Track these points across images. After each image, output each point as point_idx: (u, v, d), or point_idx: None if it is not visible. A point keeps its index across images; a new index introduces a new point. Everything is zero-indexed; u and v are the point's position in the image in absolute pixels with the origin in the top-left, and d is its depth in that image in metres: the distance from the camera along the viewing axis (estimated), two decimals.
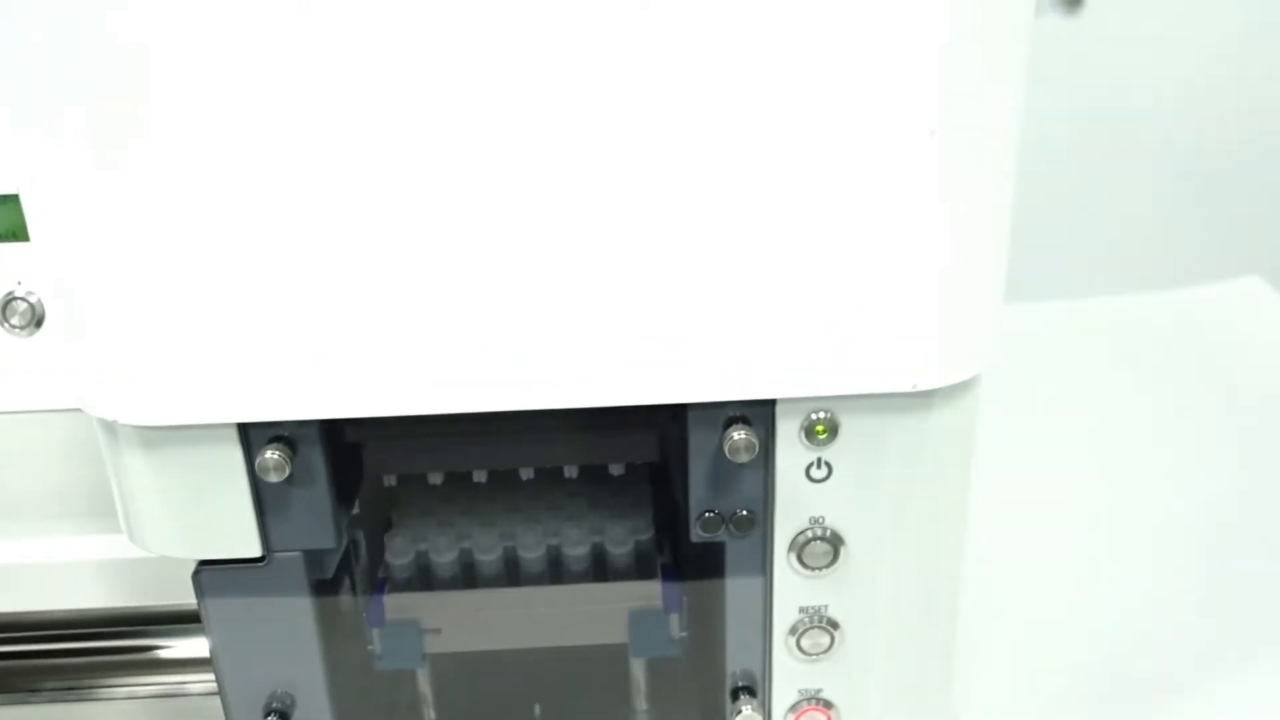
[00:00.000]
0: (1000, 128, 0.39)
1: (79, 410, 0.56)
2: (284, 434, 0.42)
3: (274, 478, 0.42)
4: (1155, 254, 1.35)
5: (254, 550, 0.45)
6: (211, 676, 0.60)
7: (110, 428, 0.43)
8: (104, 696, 0.61)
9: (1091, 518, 0.75)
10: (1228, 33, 1.36)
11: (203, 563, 0.45)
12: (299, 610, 0.46)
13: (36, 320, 0.54)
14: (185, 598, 0.59)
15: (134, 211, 0.39)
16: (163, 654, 0.62)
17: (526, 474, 0.50)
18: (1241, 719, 0.59)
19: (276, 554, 0.45)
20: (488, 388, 0.41)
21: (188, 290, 0.39)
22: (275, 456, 0.42)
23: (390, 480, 0.50)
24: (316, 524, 0.44)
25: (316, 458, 0.43)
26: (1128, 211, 1.37)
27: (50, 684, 0.61)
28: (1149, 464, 0.80)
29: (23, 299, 0.54)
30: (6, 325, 0.54)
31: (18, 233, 0.54)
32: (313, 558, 0.45)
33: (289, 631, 0.47)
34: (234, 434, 0.42)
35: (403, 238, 0.39)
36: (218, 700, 0.49)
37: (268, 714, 0.47)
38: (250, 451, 0.42)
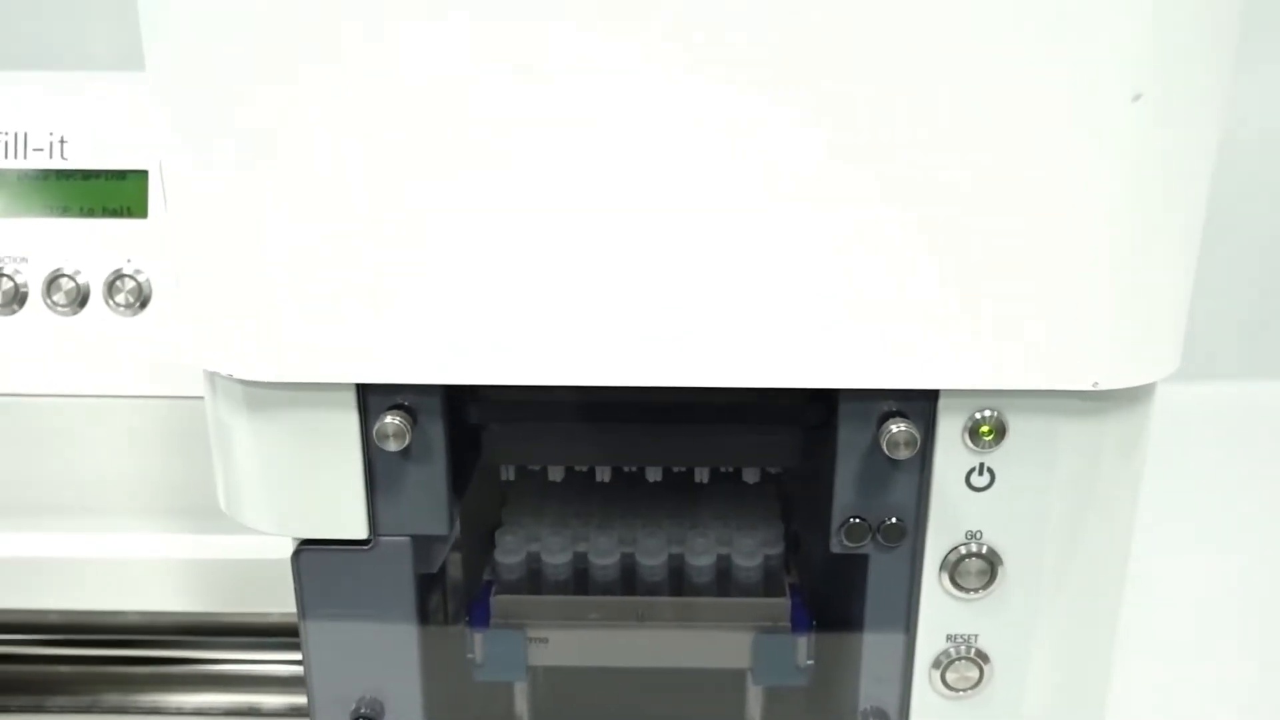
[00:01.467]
0: (1209, 103, 0.36)
1: (173, 398, 0.54)
2: (404, 402, 0.39)
3: (393, 446, 0.39)
4: (1233, 342, 1.29)
5: (360, 532, 0.41)
6: (278, 698, 0.57)
7: (218, 384, 0.40)
8: (166, 710, 0.57)
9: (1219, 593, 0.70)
10: None
11: (304, 543, 0.42)
12: (401, 604, 0.42)
13: (142, 301, 0.53)
14: (259, 606, 0.57)
15: (272, 183, 0.37)
16: (229, 669, 0.58)
17: (653, 476, 0.46)
18: None
19: (383, 538, 0.41)
20: (626, 362, 0.38)
21: (309, 248, 0.37)
22: (396, 422, 0.39)
23: (507, 474, 0.46)
24: (429, 507, 0.41)
25: (436, 432, 0.40)
26: (1261, 293, 1.32)
27: (110, 694, 0.58)
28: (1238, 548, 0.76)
29: (131, 277, 0.53)
30: (111, 303, 0.53)
31: (134, 208, 0.53)
32: (420, 546, 0.42)
33: (388, 628, 0.43)
34: (352, 398, 0.39)
35: (542, 204, 0.36)
36: None
37: (356, 718, 0.44)
38: (367, 420, 0.40)
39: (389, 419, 0.39)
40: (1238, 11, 0.36)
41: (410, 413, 0.39)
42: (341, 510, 0.41)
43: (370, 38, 0.34)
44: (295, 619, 0.57)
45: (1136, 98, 0.35)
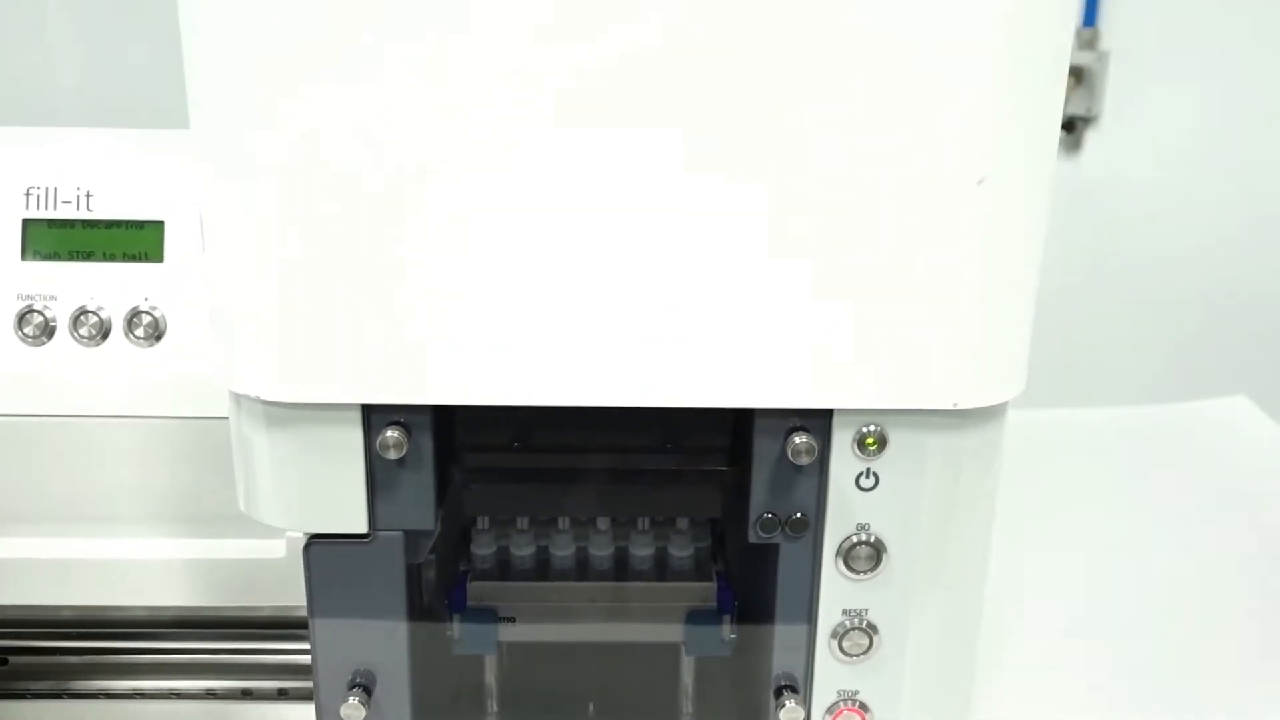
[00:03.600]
0: (1038, 178, 0.46)
1: (185, 419, 0.62)
2: (401, 419, 0.48)
3: (393, 455, 0.47)
4: (1153, 371, 1.42)
5: (361, 527, 0.50)
6: (269, 683, 0.65)
7: (242, 404, 0.49)
8: (166, 696, 0.65)
9: (1078, 581, 0.81)
10: (1214, 167, 1.46)
11: (313, 537, 0.50)
12: (393, 589, 0.51)
13: (158, 334, 0.61)
14: (257, 600, 0.64)
15: (288, 220, 0.45)
16: (226, 659, 0.66)
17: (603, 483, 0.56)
18: None
19: (381, 532, 0.50)
20: (580, 385, 0.47)
21: (320, 289, 0.45)
22: (395, 435, 0.47)
23: (479, 481, 0.55)
24: (420, 506, 0.49)
25: (426, 443, 0.49)
26: (1129, 332, 1.46)
27: (119, 680, 0.65)
28: (1137, 542, 0.86)
29: (148, 313, 0.61)
30: (130, 336, 0.61)
31: (150, 254, 0.61)
32: (410, 540, 0.51)
33: (383, 610, 0.51)
34: (358, 416, 0.48)
35: (506, 262, 0.45)
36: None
37: (352, 686, 0.52)
38: (370, 433, 0.48)
39: (389, 433, 0.47)
40: (1058, 108, 0.47)
41: (406, 428, 0.48)
42: (346, 509, 0.49)
43: (380, 108, 0.43)
44: (285, 613, 0.66)
45: (980, 181, 0.45)
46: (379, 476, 0.49)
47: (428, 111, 0.43)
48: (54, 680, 0.64)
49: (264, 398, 0.47)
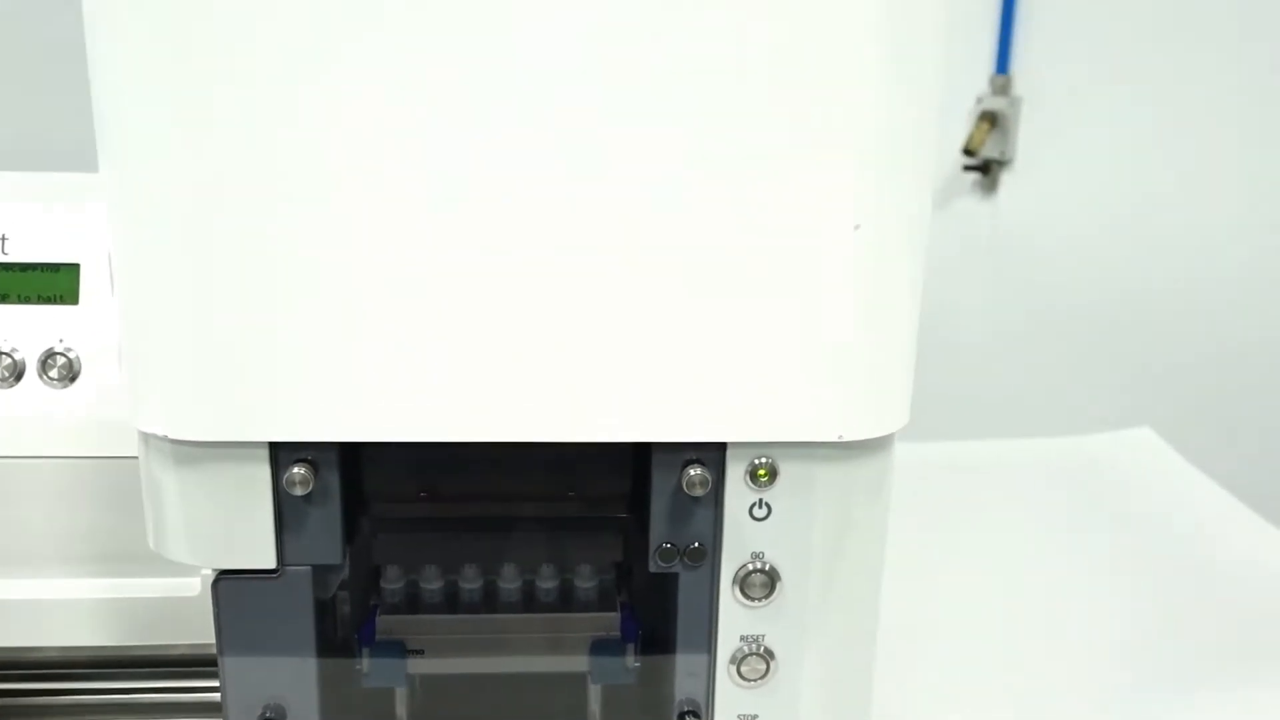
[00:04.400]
0: (913, 223, 0.49)
1: (98, 459, 0.63)
2: (308, 456, 0.49)
3: (299, 491, 0.49)
4: (1061, 404, 1.47)
5: (269, 562, 0.51)
6: None
7: (150, 442, 0.50)
8: None
9: (980, 608, 0.83)
10: (1124, 207, 1.52)
11: (222, 573, 0.51)
12: (301, 623, 0.52)
13: (73, 375, 0.62)
14: (171, 638, 0.65)
15: (191, 261, 0.47)
16: (140, 698, 0.66)
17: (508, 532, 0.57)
18: None
19: (289, 567, 0.51)
20: (480, 421, 0.48)
21: (228, 328, 0.47)
22: (302, 471, 0.49)
23: (386, 530, 0.56)
24: (327, 541, 0.51)
25: (333, 479, 0.50)
26: (1034, 363, 1.50)
27: None
28: (1038, 572, 0.89)
29: (62, 354, 0.62)
30: (45, 377, 0.62)
31: (65, 296, 0.62)
32: (318, 575, 0.52)
33: (290, 643, 0.52)
34: (265, 453, 0.49)
35: (407, 302, 0.47)
36: None
37: (263, 719, 0.53)
38: (277, 469, 0.49)
39: (296, 469, 0.49)
40: (931, 153, 0.50)
41: (313, 465, 0.49)
42: (254, 545, 0.51)
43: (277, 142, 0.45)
44: (199, 650, 0.66)
45: (857, 227, 0.48)
46: (286, 512, 0.50)
47: (326, 154, 0.45)
48: None
49: (171, 436, 0.48)
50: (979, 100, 1.55)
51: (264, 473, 0.50)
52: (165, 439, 0.49)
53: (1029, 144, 1.55)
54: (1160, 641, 0.81)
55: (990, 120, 1.54)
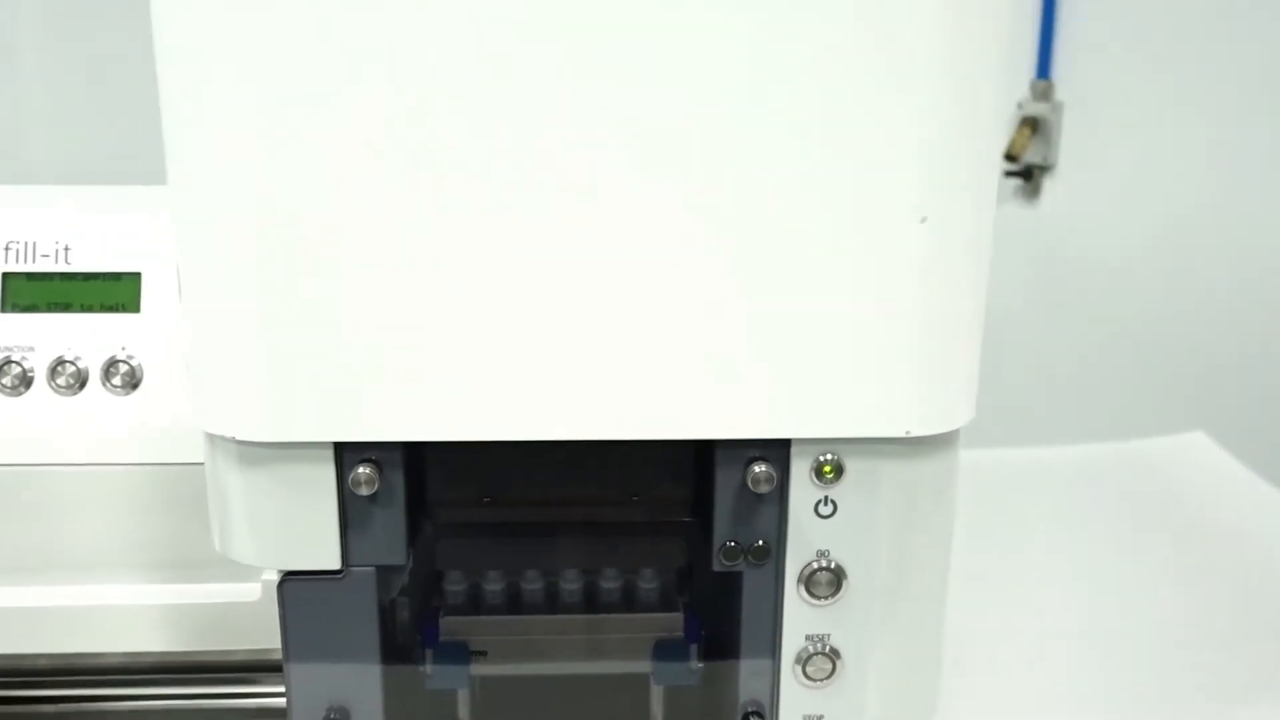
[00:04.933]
0: (979, 216, 0.49)
1: (160, 465, 0.64)
2: (373, 456, 0.49)
3: (364, 491, 0.49)
4: (1111, 409, 1.45)
5: (334, 563, 0.51)
6: None
7: (217, 444, 0.50)
8: None
9: (1038, 610, 0.82)
10: (1168, 212, 1.51)
11: (287, 574, 0.51)
12: (365, 624, 0.52)
13: (134, 383, 0.62)
14: (232, 644, 0.65)
15: (259, 263, 0.47)
16: (210, 704, 0.66)
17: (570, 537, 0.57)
18: None
19: (353, 568, 0.51)
20: (544, 420, 0.48)
21: (293, 330, 0.47)
22: (367, 471, 0.49)
23: (449, 535, 0.56)
24: (391, 541, 0.51)
25: (397, 480, 0.50)
26: (1080, 369, 1.49)
27: None
28: (1094, 576, 0.88)
29: (125, 362, 0.62)
30: (107, 385, 0.62)
31: (127, 305, 0.63)
32: (382, 576, 0.52)
33: (354, 644, 0.52)
34: (330, 454, 0.49)
35: (470, 297, 0.47)
36: None
37: None
38: (342, 470, 0.50)
39: (361, 469, 0.49)
40: (998, 147, 0.49)
41: (377, 465, 0.49)
42: (318, 545, 0.51)
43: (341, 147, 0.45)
44: (259, 656, 0.67)
45: (923, 220, 0.47)
46: (351, 513, 0.50)
47: (389, 158, 0.45)
48: None
49: (238, 438, 0.49)
50: (1020, 105, 1.54)
51: (329, 474, 0.50)
52: (231, 440, 0.49)
53: (1071, 149, 1.54)
54: (1221, 646, 0.79)
55: (1032, 125, 1.53)
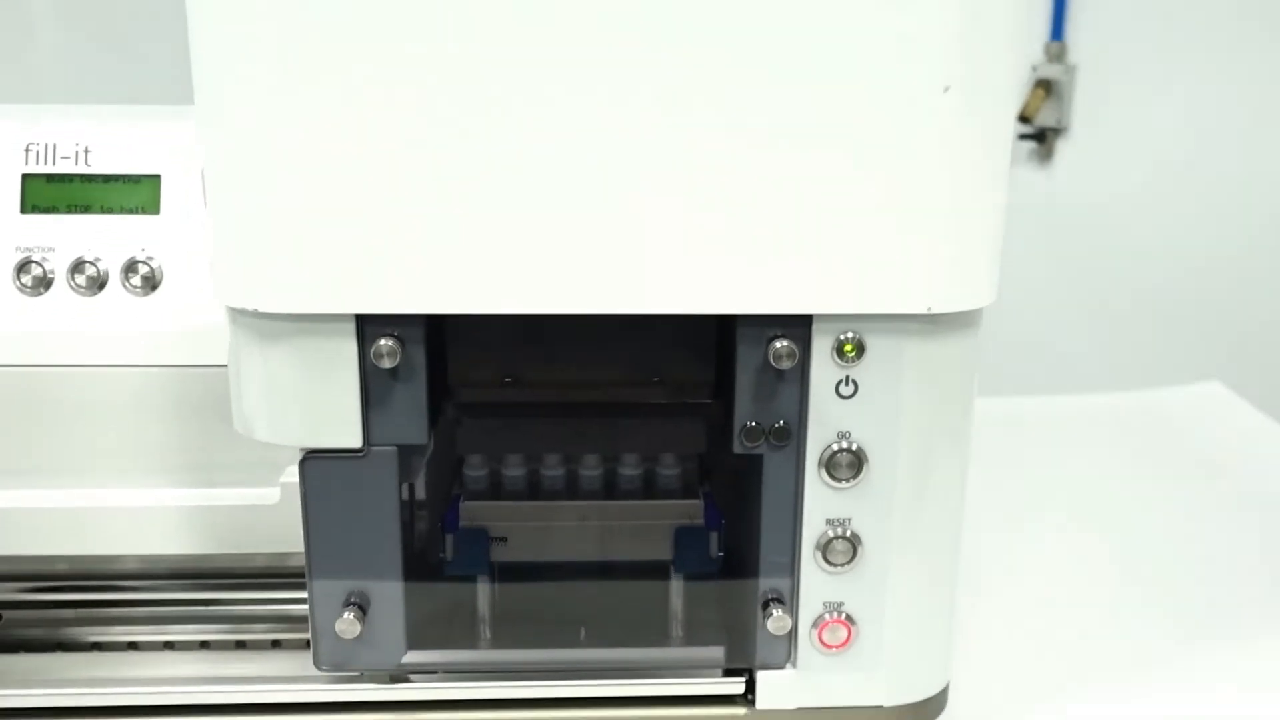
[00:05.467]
0: (1003, 92, 0.49)
1: (178, 367, 0.64)
2: (394, 331, 0.49)
3: (386, 364, 0.49)
4: (1127, 362, 1.45)
5: (355, 442, 0.51)
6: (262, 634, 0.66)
7: (239, 320, 0.50)
8: (167, 647, 0.65)
9: (1064, 551, 0.82)
10: (1180, 174, 1.50)
11: (309, 452, 0.51)
12: (386, 506, 0.52)
13: (154, 285, 0.62)
14: (250, 547, 0.65)
15: (283, 132, 0.47)
16: (217, 610, 0.66)
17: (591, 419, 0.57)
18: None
19: (374, 447, 0.51)
20: (565, 293, 0.48)
21: (315, 200, 0.47)
22: (389, 344, 0.49)
23: (470, 416, 0.56)
24: (412, 420, 0.51)
25: (418, 355, 0.50)
26: (1092, 330, 1.49)
27: (117, 635, 0.65)
28: (1114, 517, 0.88)
29: (145, 264, 0.62)
30: (127, 286, 0.62)
31: (147, 207, 0.63)
32: (404, 456, 0.52)
33: (375, 526, 0.52)
34: (352, 327, 0.49)
35: (491, 169, 0.47)
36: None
37: (347, 604, 0.53)
38: (364, 345, 0.50)
39: (384, 341, 0.49)
40: (1024, 21, 0.49)
41: (399, 339, 0.49)
42: (340, 423, 0.51)
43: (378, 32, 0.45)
44: (279, 562, 0.67)
45: (946, 89, 0.47)
46: (373, 389, 0.50)
47: (419, 24, 0.45)
48: (47, 629, 0.65)
49: (260, 309, 0.49)
50: (1034, 68, 1.53)
51: (351, 348, 0.50)
52: (254, 314, 0.49)
53: (1085, 111, 1.53)
54: (1244, 582, 0.79)
55: (1046, 88, 1.53)
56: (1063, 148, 1.55)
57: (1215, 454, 1.01)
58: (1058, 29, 1.53)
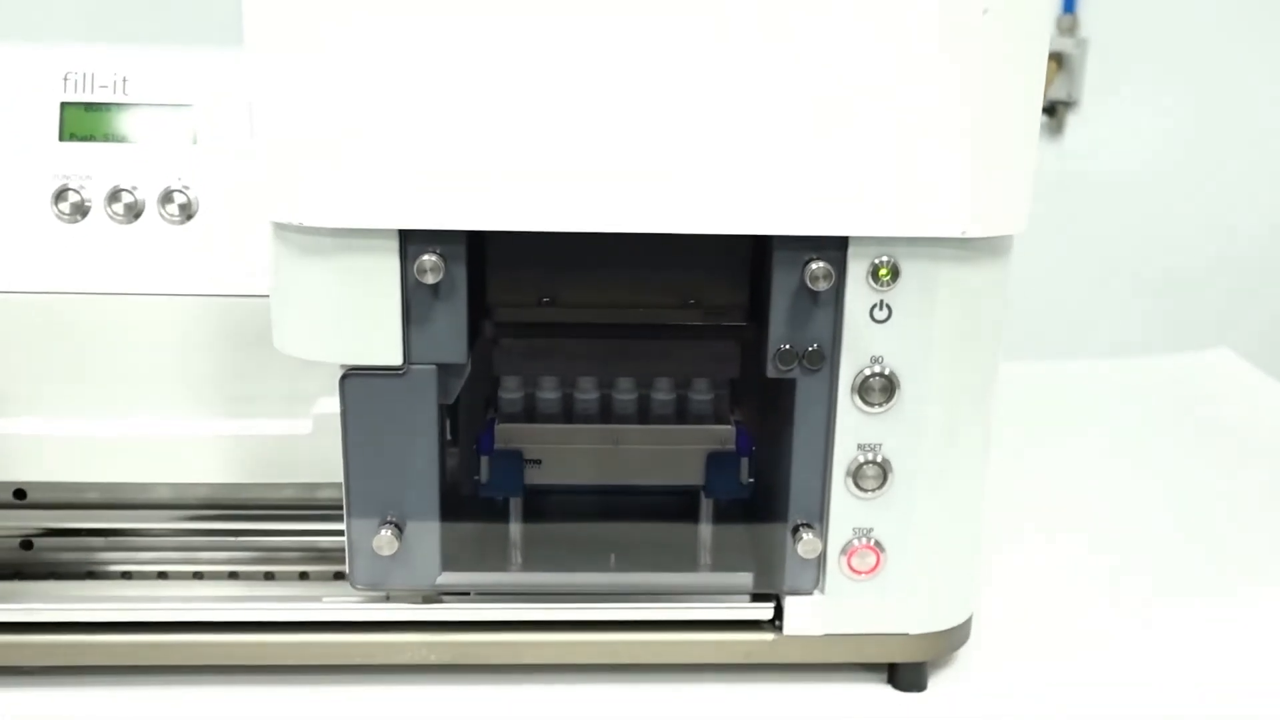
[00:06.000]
0: (1040, 15, 0.49)
1: (214, 296, 0.64)
2: (437, 248, 0.50)
3: (430, 279, 0.49)
4: (1139, 330, 1.46)
5: (396, 359, 0.52)
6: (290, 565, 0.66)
7: (283, 236, 0.51)
8: (196, 576, 0.66)
9: (1072, 509, 0.83)
10: (1191, 148, 1.51)
11: (349, 369, 0.52)
12: (425, 425, 0.53)
13: (189, 214, 0.63)
14: (282, 477, 0.65)
15: (327, 50, 0.48)
16: (254, 540, 0.67)
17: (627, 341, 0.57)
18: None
19: (414, 365, 0.52)
20: (605, 211, 0.49)
21: (360, 116, 0.48)
22: (433, 259, 0.49)
23: (507, 336, 0.56)
24: (453, 338, 0.51)
25: (460, 273, 0.51)
26: (1110, 289, 1.50)
27: (147, 564, 0.66)
28: (1123, 472, 0.89)
29: (181, 192, 0.63)
30: (164, 215, 0.63)
31: (184, 137, 0.63)
32: (443, 376, 0.52)
33: (412, 447, 0.53)
34: (395, 243, 0.50)
35: (531, 88, 0.48)
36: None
37: (384, 523, 0.53)
38: (406, 262, 0.50)
39: (427, 256, 0.49)
40: None
41: (442, 256, 0.50)
42: (381, 340, 0.51)
43: None
44: (309, 494, 0.67)
45: (985, 11, 0.48)
46: (414, 307, 0.51)
47: None
48: (80, 554, 0.66)
49: (305, 223, 0.49)
50: None
51: (393, 264, 0.50)
52: (298, 229, 0.50)
53: (1095, 86, 1.54)
54: (1253, 534, 0.79)
55: (1057, 61, 1.53)
56: (1073, 121, 1.55)
57: (1224, 417, 1.02)
58: (1070, 2, 1.53)
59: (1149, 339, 1.26)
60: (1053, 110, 1.56)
